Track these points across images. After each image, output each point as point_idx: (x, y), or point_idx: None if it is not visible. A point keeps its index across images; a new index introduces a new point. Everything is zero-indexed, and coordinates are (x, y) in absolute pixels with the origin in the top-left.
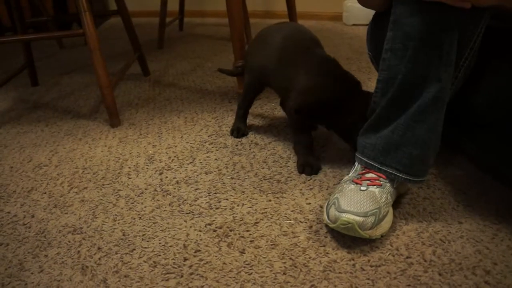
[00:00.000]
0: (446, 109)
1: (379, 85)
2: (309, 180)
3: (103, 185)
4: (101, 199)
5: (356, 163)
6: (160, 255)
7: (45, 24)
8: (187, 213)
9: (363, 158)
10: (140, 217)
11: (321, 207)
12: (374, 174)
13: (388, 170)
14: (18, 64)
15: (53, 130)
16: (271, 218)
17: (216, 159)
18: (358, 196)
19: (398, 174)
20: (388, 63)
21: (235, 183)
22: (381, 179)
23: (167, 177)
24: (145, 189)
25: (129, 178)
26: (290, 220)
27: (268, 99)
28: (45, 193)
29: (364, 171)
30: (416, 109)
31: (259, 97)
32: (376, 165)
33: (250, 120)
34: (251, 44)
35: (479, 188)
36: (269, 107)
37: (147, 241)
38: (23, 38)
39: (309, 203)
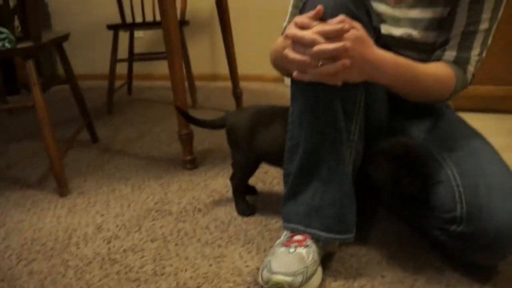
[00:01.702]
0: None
1: (287, 154)
2: (247, 244)
3: (52, 256)
4: (50, 270)
5: None
6: None
7: None
8: (133, 281)
9: (289, 225)
10: (89, 287)
11: (258, 268)
12: (301, 236)
13: (312, 231)
14: None
15: (1, 201)
16: (212, 282)
17: (161, 227)
18: (287, 258)
19: (321, 234)
20: (291, 133)
21: (179, 249)
22: (307, 240)
23: (114, 245)
24: (94, 258)
25: (78, 248)
26: (230, 283)
27: (213, 165)
28: None
29: (292, 234)
30: (325, 172)
31: (204, 163)
32: (302, 228)
33: (194, 186)
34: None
35: (400, 242)
36: (213, 172)
37: None
38: None
39: (247, 266)
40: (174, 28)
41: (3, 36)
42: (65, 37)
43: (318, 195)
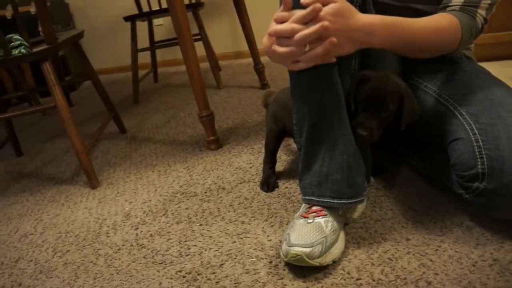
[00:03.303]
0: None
1: (296, 127)
2: (271, 218)
3: (84, 246)
4: (83, 260)
5: None
6: None
7: (27, 96)
8: (159, 263)
9: (305, 197)
10: (118, 272)
11: (281, 242)
12: (318, 206)
13: (324, 200)
14: (2, 137)
15: (37, 199)
16: (235, 258)
17: (186, 208)
18: (305, 229)
19: (332, 201)
20: (296, 106)
21: (203, 229)
22: (325, 209)
23: (142, 231)
24: (122, 245)
25: (108, 237)
26: (253, 258)
27: (236, 142)
28: (31, 260)
29: (310, 205)
30: (330, 138)
31: (228, 142)
32: (315, 199)
33: (218, 166)
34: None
35: (427, 203)
36: (236, 150)
37: None
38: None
39: (270, 240)
40: (182, 13)
41: (18, 43)
42: (80, 35)
43: (326, 163)
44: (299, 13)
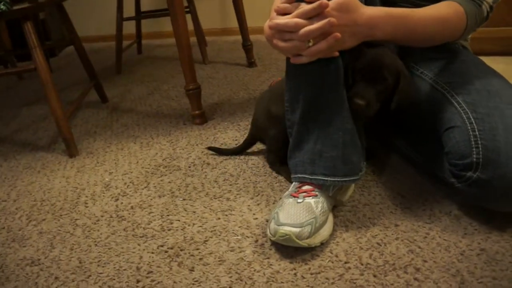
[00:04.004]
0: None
1: (288, 104)
2: (257, 196)
3: (61, 215)
4: (59, 230)
5: None
6: (114, 279)
7: (3, 58)
8: (140, 237)
9: (295, 175)
10: (96, 244)
11: (267, 221)
12: (310, 185)
13: (317, 178)
14: None
15: (12, 165)
16: (219, 235)
17: (169, 182)
18: (295, 209)
19: (326, 179)
20: (290, 84)
21: (187, 204)
22: (316, 189)
23: (122, 203)
24: (101, 216)
25: (86, 207)
26: (238, 236)
27: (222, 118)
28: (3, 228)
29: (300, 185)
30: (327, 115)
31: (213, 117)
32: (307, 177)
33: (203, 140)
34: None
35: (416, 190)
36: (222, 126)
37: (102, 266)
38: None
39: (256, 218)
40: None
41: None
42: None
43: (320, 140)
44: (304, 7)
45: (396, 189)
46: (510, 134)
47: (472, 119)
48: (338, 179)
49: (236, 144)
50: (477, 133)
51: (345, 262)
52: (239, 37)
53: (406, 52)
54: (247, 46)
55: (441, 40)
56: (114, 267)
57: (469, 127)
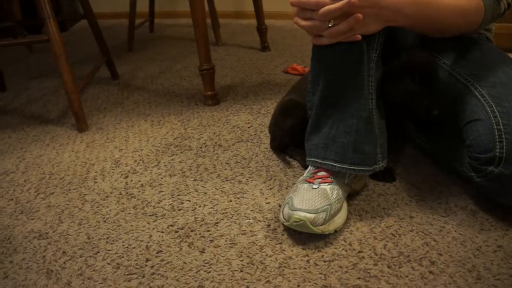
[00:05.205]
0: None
1: (310, 85)
2: (269, 180)
3: (70, 190)
4: (67, 204)
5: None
6: (123, 257)
7: (13, 29)
8: (150, 215)
9: (310, 159)
10: (105, 221)
11: (280, 206)
12: (325, 172)
13: (328, 163)
14: None
15: (21, 136)
16: (231, 218)
17: (180, 162)
18: (310, 194)
19: (334, 164)
20: (313, 64)
21: (197, 184)
22: (331, 176)
23: (132, 180)
24: (111, 192)
25: (95, 183)
26: (249, 219)
27: (234, 101)
28: (11, 199)
29: (316, 170)
30: (344, 101)
31: (226, 99)
32: (319, 161)
33: (215, 122)
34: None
35: (432, 183)
36: (234, 108)
37: (111, 243)
38: None
39: (268, 203)
40: None
41: None
42: None
43: (335, 125)
44: None
45: (410, 181)
46: None
47: (497, 113)
48: (346, 166)
49: (249, 127)
50: (501, 127)
51: (359, 252)
52: (253, 21)
53: (427, 41)
54: (261, 30)
55: (456, 31)
56: (123, 245)
57: (493, 121)
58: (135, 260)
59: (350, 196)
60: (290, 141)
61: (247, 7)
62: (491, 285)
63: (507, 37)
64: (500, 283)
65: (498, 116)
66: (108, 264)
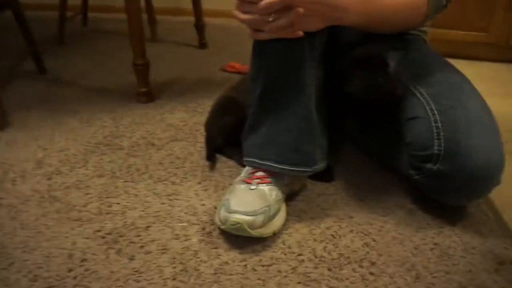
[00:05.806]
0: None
1: (249, 83)
2: (204, 181)
3: None
4: None
5: None
6: (42, 267)
7: None
8: (75, 220)
9: (248, 159)
10: (23, 227)
11: (215, 208)
12: (263, 172)
13: (267, 163)
14: None
15: None
16: (163, 221)
17: (110, 162)
18: (248, 196)
19: (275, 165)
20: (253, 60)
21: (128, 186)
22: (270, 176)
23: (56, 182)
24: (31, 196)
25: (14, 185)
26: (183, 222)
27: (169, 98)
28: None
29: (254, 170)
30: (285, 99)
31: (160, 97)
32: (257, 161)
33: (148, 120)
34: None
35: (371, 182)
36: (170, 106)
37: (29, 253)
38: None
39: (203, 204)
40: None
41: None
42: None
43: (276, 124)
44: None
45: (350, 180)
46: (471, 126)
47: (435, 111)
48: (287, 168)
49: (184, 125)
50: (439, 124)
51: (298, 254)
52: (192, 18)
53: (371, 40)
54: (199, 26)
55: (405, 26)
56: (43, 254)
57: (432, 119)
58: (56, 271)
59: (289, 196)
60: (227, 140)
61: (185, 3)
62: (429, 283)
63: (442, 43)
64: (437, 280)
65: (436, 113)
66: (24, 276)
